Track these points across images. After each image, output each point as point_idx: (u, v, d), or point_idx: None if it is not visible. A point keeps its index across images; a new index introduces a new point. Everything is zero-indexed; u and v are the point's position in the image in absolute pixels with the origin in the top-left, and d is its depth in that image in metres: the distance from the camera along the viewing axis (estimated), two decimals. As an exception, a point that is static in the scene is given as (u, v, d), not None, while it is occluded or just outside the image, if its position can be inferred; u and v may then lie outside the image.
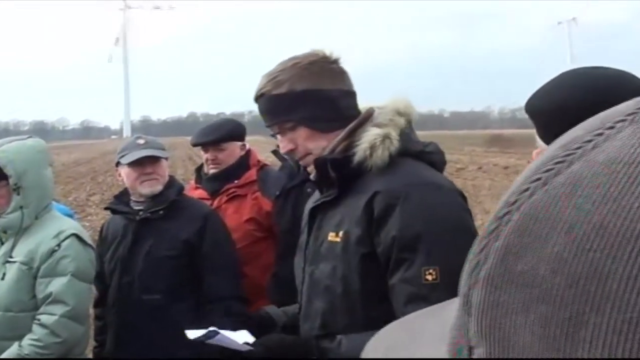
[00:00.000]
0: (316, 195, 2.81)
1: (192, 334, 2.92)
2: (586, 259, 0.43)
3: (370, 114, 2.66)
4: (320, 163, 2.60)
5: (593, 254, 0.43)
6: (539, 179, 0.48)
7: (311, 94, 2.61)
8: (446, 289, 2.34)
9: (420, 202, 2.46)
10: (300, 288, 2.77)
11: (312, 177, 2.72)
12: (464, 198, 2.65)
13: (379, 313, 2.48)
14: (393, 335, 0.68)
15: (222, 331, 2.80)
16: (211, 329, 2.82)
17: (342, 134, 2.63)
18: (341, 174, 2.56)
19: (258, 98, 2.70)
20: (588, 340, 0.42)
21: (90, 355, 4.34)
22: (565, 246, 0.44)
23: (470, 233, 2.51)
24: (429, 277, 2.38)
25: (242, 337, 2.77)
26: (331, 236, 2.59)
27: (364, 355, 0.67)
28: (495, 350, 0.46)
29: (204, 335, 2.83)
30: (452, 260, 2.40)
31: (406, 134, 2.61)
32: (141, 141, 4.14)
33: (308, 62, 2.64)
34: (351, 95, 2.70)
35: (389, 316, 2.46)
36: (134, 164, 4.06)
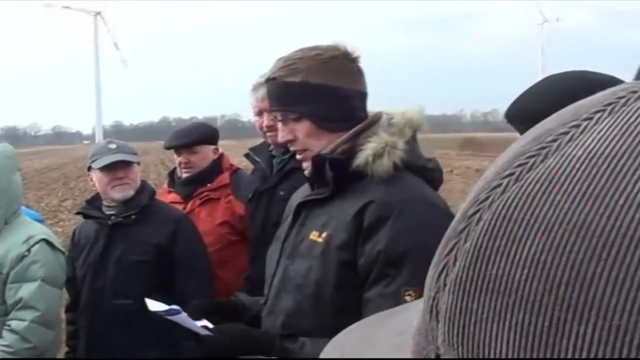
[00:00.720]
0: (305, 189, 2.75)
1: (153, 305, 2.90)
2: (567, 261, 0.39)
3: (378, 118, 2.57)
4: (318, 161, 2.52)
5: (574, 256, 0.39)
6: (511, 174, 0.44)
7: (325, 90, 2.52)
8: None
9: (412, 220, 2.41)
10: (270, 281, 2.71)
11: (306, 172, 2.64)
12: (452, 216, 2.60)
13: (345, 323, 2.44)
14: (347, 342, 0.66)
15: (183, 312, 2.75)
16: (173, 307, 2.77)
17: (345, 135, 2.54)
18: (338, 176, 2.50)
19: (270, 80, 2.59)
20: (570, 351, 0.39)
21: (62, 360, 4.32)
22: (543, 248, 0.40)
23: None
24: (408, 298, 2.32)
25: (201, 323, 2.72)
26: (314, 235, 2.53)
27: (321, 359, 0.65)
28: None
29: (164, 311, 2.79)
30: None
31: (412, 147, 2.54)
32: (113, 146, 4.12)
33: (329, 56, 2.53)
34: (364, 97, 2.61)
35: None
36: (105, 169, 4.03)
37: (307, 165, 2.62)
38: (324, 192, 2.56)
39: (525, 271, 0.40)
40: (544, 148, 0.44)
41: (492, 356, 0.41)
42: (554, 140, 0.44)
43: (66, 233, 14.21)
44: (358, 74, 2.60)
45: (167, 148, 4.80)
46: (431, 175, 2.63)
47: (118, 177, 4.04)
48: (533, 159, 0.44)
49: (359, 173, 2.46)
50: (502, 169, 0.46)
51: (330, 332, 2.28)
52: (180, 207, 4.55)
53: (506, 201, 0.43)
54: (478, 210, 0.45)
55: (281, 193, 3.79)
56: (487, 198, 0.45)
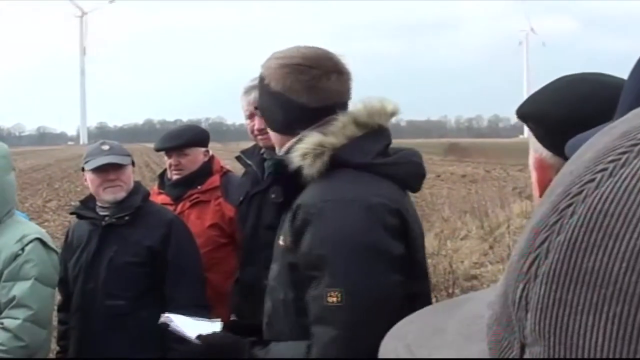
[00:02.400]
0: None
1: (166, 319, 2.96)
2: None
3: (326, 121, 2.57)
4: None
5: None
6: (604, 169, 0.44)
7: (276, 95, 2.62)
8: (350, 311, 2.33)
9: (332, 220, 2.42)
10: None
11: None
12: (391, 213, 2.50)
13: (308, 322, 2.47)
14: (410, 332, 0.64)
15: (178, 321, 2.87)
16: (169, 315, 2.91)
17: (293, 139, 2.60)
18: (282, 178, 2.60)
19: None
20: None
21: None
22: None
23: (381, 253, 2.43)
24: (331, 299, 2.35)
25: (198, 328, 2.77)
26: (280, 239, 2.59)
27: (381, 354, 0.63)
28: (557, 351, 0.44)
29: (162, 322, 2.92)
30: (357, 282, 2.36)
31: (355, 144, 2.53)
32: (106, 147, 4.13)
33: (283, 64, 2.61)
34: (306, 111, 2.60)
35: None
36: (97, 170, 4.05)
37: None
38: (279, 197, 2.66)
39: (624, 264, 0.41)
40: (636, 145, 0.44)
41: (586, 347, 0.42)
42: None
43: (51, 233, 14.02)
44: (306, 88, 2.60)
45: (158, 150, 4.81)
46: (387, 170, 2.59)
47: (109, 179, 4.05)
48: (626, 155, 0.44)
49: (300, 175, 2.50)
50: (593, 163, 0.46)
51: (298, 333, 2.30)
52: (170, 208, 4.55)
53: (601, 196, 0.44)
54: (571, 204, 0.45)
55: (272, 196, 3.81)
56: (580, 192, 0.45)
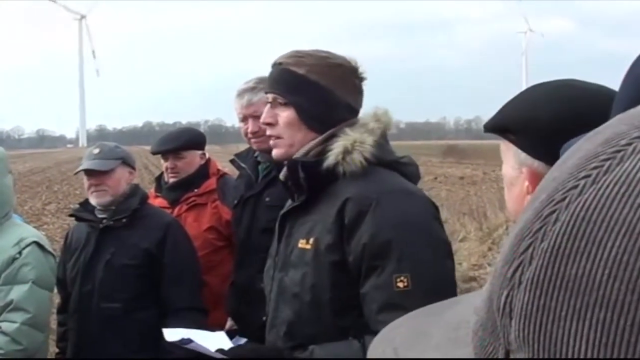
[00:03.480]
0: (288, 203, 2.79)
1: (170, 334, 2.89)
2: None
3: (349, 123, 2.64)
4: (291, 165, 2.60)
5: None
6: (587, 176, 0.45)
7: (319, 89, 2.62)
8: (419, 296, 2.35)
9: (392, 209, 2.47)
10: (269, 296, 2.75)
11: (281, 176, 2.71)
12: (436, 208, 2.65)
13: (347, 323, 2.50)
14: (397, 336, 0.65)
15: (196, 338, 2.77)
16: (186, 337, 2.79)
17: (319, 138, 2.63)
18: (311, 178, 2.56)
19: (275, 65, 2.71)
20: None
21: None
22: (625, 249, 0.41)
23: (440, 241, 2.55)
24: (401, 285, 2.39)
25: (217, 342, 2.75)
26: (301, 243, 2.58)
27: (370, 354, 0.65)
28: (541, 357, 0.44)
29: (178, 341, 2.80)
30: (423, 267, 2.41)
31: (381, 144, 2.61)
32: (96, 151, 4.14)
33: (337, 64, 2.67)
34: (352, 110, 2.69)
35: (358, 326, 2.48)
36: (85, 173, 4.09)
37: (276, 153, 2.71)
38: (301, 198, 2.62)
39: (607, 271, 0.41)
40: (618, 151, 0.45)
41: (569, 354, 0.42)
42: (629, 144, 0.45)
43: (50, 236, 14.14)
44: (355, 90, 2.71)
45: (154, 153, 4.82)
46: (405, 169, 2.68)
47: (92, 183, 4.07)
48: (609, 162, 0.44)
49: (332, 175, 2.54)
50: (577, 170, 0.46)
51: (329, 335, 2.30)
52: (167, 212, 4.55)
53: (584, 203, 0.44)
54: (554, 211, 0.45)
55: (267, 199, 3.81)
56: (563, 199, 0.45)
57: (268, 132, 2.73)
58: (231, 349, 2.70)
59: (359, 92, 2.72)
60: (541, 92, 1.83)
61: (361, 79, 2.71)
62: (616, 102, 1.22)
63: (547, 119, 1.74)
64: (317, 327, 2.54)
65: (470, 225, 16.67)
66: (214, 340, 2.79)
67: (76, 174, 4.11)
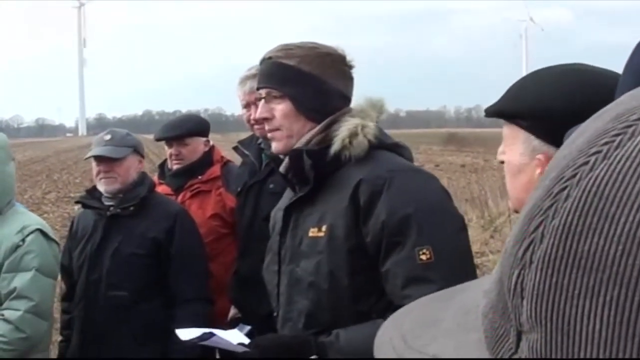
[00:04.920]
0: (287, 197, 2.79)
1: (185, 334, 2.86)
2: None
3: (346, 110, 2.68)
4: (295, 155, 2.60)
5: None
6: (598, 152, 0.44)
7: (313, 79, 2.63)
8: (441, 267, 2.38)
9: (406, 185, 2.49)
10: (276, 291, 2.73)
11: (281, 169, 2.70)
12: (441, 184, 2.70)
13: (366, 307, 2.50)
14: (406, 321, 0.63)
15: (216, 332, 2.76)
16: (206, 331, 2.77)
17: (319, 126, 2.64)
18: (317, 166, 2.56)
19: (265, 60, 2.72)
20: None
21: (53, 350, 4.31)
22: (639, 224, 0.40)
23: (455, 214, 2.60)
24: (423, 257, 2.40)
25: (236, 338, 2.74)
26: (312, 232, 2.57)
27: (377, 344, 0.63)
28: (555, 337, 0.43)
29: (197, 337, 2.78)
30: (444, 239, 2.43)
31: (380, 128, 2.64)
32: (107, 137, 4.12)
33: (326, 53, 2.69)
34: (345, 99, 2.72)
35: (377, 310, 2.47)
36: (94, 160, 4.06)
37: (276, 146, 2.71)
38: (306, 187, 2.61)
39: (620, 247, 0.41)
40: (629, 126, 0.44)
41: (583, 332, 0.41)
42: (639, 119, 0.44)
43: (50, 225, 14.08)
44: (346, 77, 2.74)
45: (158, 140, 4.80)
46: (403, 152, 2.72)
47: (104, 170, 4.05)
48: (620, 137, 0.44)
49: (337, 162, 2.55)
50: (587, 146, 0.45)
51: (349, 321, 2.30)
52: (174, 200, 4.54)
53: (595, 178, 0.43)
54: (565, 188, 0.45)
55: (270, 186, 3.80)
56: (574, 175, 0.45)
57: (266, 127, 2.74)
58: (253, 341, 2.69)
59: (349, 79, 2.75)
60: (550, 77, 1.80)
61: (350, 67, 2.74)
62: (618, 91, 1.20)
63: (562, 104, 1.72)
64: (337, 314, 2.54)
65: (472, 213, 16.65)
66: (232, 336, 2.78)
67: (86, 159, 4.06)
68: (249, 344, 2.66)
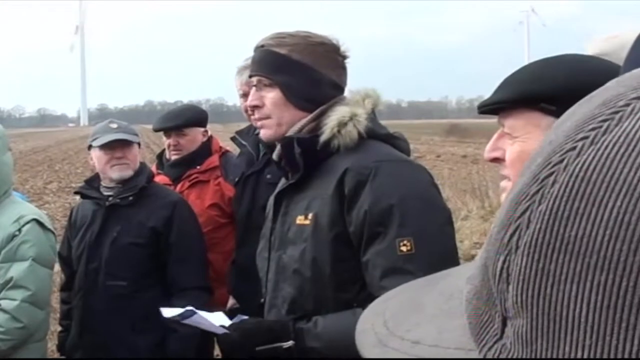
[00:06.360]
0: (281, 183, 2.80)
1: (168, 312, 2.89)
2: None
3: (339, 99, 2.68)
4: (286, 142, 2.61)
5: None
6: (585, 137, 0.44)
7: (303, 68, 2.64)
8: (422, 259, 2.37)
9: (391, 176, 2.48)
10: (265, 277, 2.75)
11: (274, 155, 2.73)
12: (432, 176, 2.68)
13: (349, 296, 2.50)
14: (388, 308, 0.63)
15: (198, 311, 2.77)
16: (188, 308, 2.80)
17: (310, 115, 2.64)
18: (307, 154, 2.57)
19: (258, 48, 2.73)
20: None
21: (50, 340, 4.31)
22: (626, 209, 0.40)
23: (440, 207, 2.57)
24: (404, 248, 2.39)
25: (218, 319, 2.75)
26: (299, 219, 2.59)
27: (359, 331, 0.62)
28: (541, 322, 0.43)
29: (179, 315, 2.80)
30: (426, 231, 2.42)
31: (373, 118, 2.64)
32: (114, 125, 4.12)
33: (318, 42, 2.68)
34: (337, 88, 2.72)
35: (359, 299, 2.47)
36: (105, 147, 4.04)
37: (264, 133, 2.73)
38: (295, 176, 2.62)
39: (608, 232, 0.41)
40: (617, 112, 0.44)
41: (570, 317, 0.42)
42: (627, 105, 0.44)
43: (51, 215, 14.14)
44: (339, 67, 2.73)
45: (157, 130, 4.81)
46: (398, 143, 2.71)
47: (116, 156, 4.04)
48: (607, 123, 0.44)
49: (327, 150, 2.56)
50: (574, 132, 0.45)
51: (334, 310, 2.32)
52: (173, 190, 4.54)
53: (583, 163, 0.43)
54: (552, 173, 0.45)
55: (268, 177, 3.80)
56: (561, 161, 0.44)
57: (256, 115, 2.75)
58: (234, 324, 2.70)
59: (342, 69, 2.75)
60: (569, 62, 1.69)
61: (344, 57, 2.74)
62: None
63: (590, 88, 1.65)
64: (320, 302, 2.55)
65: (472, 204, 16.66)
66: (215, 318, 2.79)
67: (102, 146, 4.03)
68: (229, 326, 2.68)
